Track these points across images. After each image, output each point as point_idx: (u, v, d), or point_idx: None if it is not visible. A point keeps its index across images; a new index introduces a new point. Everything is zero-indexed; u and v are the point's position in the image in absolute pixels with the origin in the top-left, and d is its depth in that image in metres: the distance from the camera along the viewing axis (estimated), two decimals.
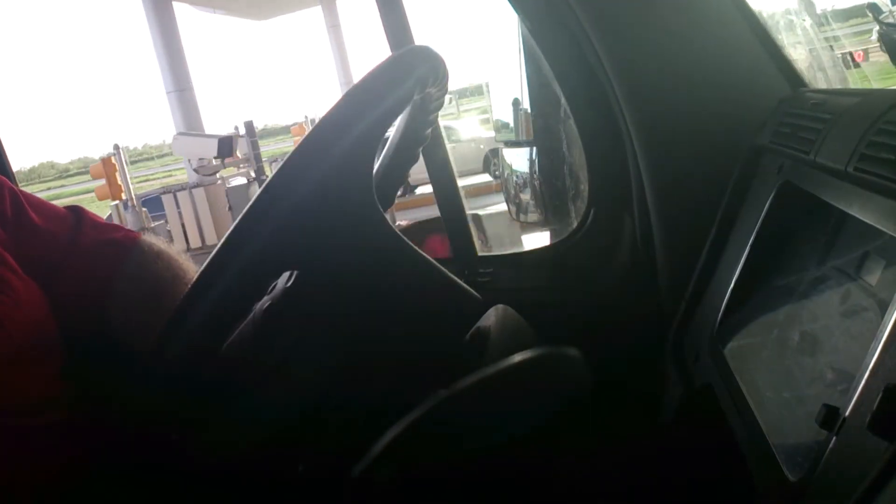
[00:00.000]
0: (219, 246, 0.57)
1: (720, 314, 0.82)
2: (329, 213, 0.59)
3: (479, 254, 1.39)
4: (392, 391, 0.68)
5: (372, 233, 0.64)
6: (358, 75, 0.65)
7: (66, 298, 0.88)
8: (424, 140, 0.81)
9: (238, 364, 0.67)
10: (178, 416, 0.60)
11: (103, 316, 0.90)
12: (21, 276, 0.83)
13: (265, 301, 0.70)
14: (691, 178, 0.96)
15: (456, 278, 0.71)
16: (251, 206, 0.57)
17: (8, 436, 0.75)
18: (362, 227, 0.63)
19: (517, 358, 0.61)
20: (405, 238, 0.66)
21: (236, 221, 0.57)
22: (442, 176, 1.38)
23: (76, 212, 0.96)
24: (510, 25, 1.38)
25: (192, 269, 0.92)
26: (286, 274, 0.70)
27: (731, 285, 0.82)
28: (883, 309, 0.54)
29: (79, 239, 0.91)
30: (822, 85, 0.96)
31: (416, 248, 0.68)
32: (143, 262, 0.92)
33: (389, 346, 0.68)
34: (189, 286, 0.59)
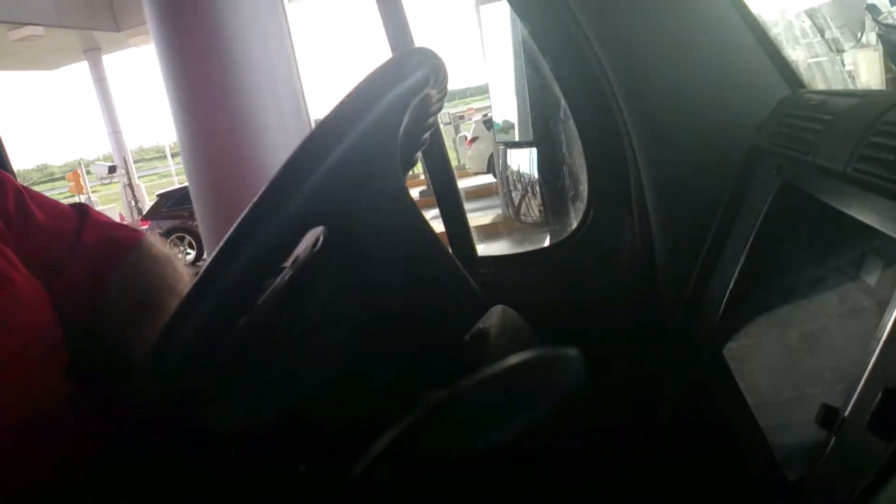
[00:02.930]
0: (256, 197, 0.58)
1: (719, 314, 0.83)
2: (358, 175, 0.60)
3: (479, 254, 1.39)
4: (392, 391, 0.68)
5: (395, 199, 0.65)
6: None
7: (69, 297, 0.88)
8: (424, 142, 0.81)
9: (261, 331, 0.67)
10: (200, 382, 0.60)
11: (97, 315, 0.90)
12: (23, 272, 0.82)
13: (288, 272, 0.71)
14: (690, 178, 0.97)
15: (459, 265, 0.72)
16: (288, 163, 0.59)
17: (11, 434, 0.75)
18: (387, 193, 0.65)
19: (517, 358, 0.61)
20: (421, 212, 0.68)
21: (274, 175, 0.58)
22: (442, 176, 1.38)
23: (81, 210, 0.96)
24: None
25: (187, 280, 0.91)
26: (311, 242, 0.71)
27: (731, 286, 0.82)
28: (882, 309, 0.54)
29: (82, 237, 0.91)
30: (820, 86, 0.96)
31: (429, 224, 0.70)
32: (138, 263, 0.92)
33: (391, 338, 0.68)
34: (226, 237, 0.59)
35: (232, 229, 0.57)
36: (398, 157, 0.65)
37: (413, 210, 0.67)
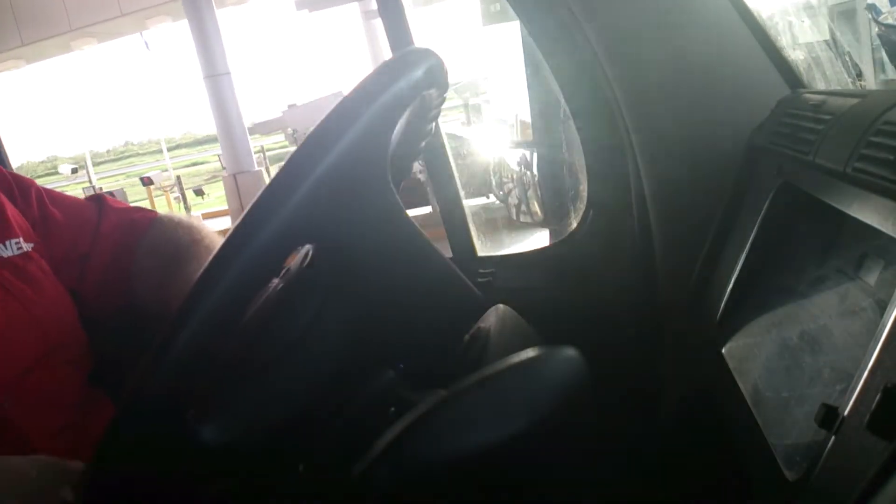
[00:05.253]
0: (241, 218, 0.58)
1: (719, 314, 0.83)
2: (346, 192, 0.60)
3: (479, 254, 1.39)
4: (392, 391, 0.68)
5: (385, 214, 0.65)
6: None
7: (94, 286, 0.91)
8: (418, 155, 0.81)
9: (251, 344, 0.67)
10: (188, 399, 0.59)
11: (126, 297, 0.93)
12: (53, 281, 0.86)
13: (279, 283, 0.70)
14: (690, 178, 0.97)
15: (459, 272, 0.72)
16: (274, 181, 0.58)
17: (37, 435, 0.76)
18: (377, 208, 0.64)
19: (516, 358, 0.61)
20: (415, 224, 0.67)
21: (259, 194, 0.58)
22: (442, 176, 1.38)
23: (98, 200, 0.99)
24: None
25: (212, 233, 0.96)
26: (301, 256, 0.71)
27: (731, 285, 0.82)
28: (882, 309, 0.54)
29: (102, 226, 0.95)
30: (820, 86, 0.96)
31: (425, 234, 0.69)
32: (163, 232, 0.96)
33: (391, 340, 0.69)
34: (212, 255, 0.59)
35: (214, 254, 0.57)
36: (388, 170, 0.64)
37: (405, 222, 0.67)
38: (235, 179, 8.79)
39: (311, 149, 0.58)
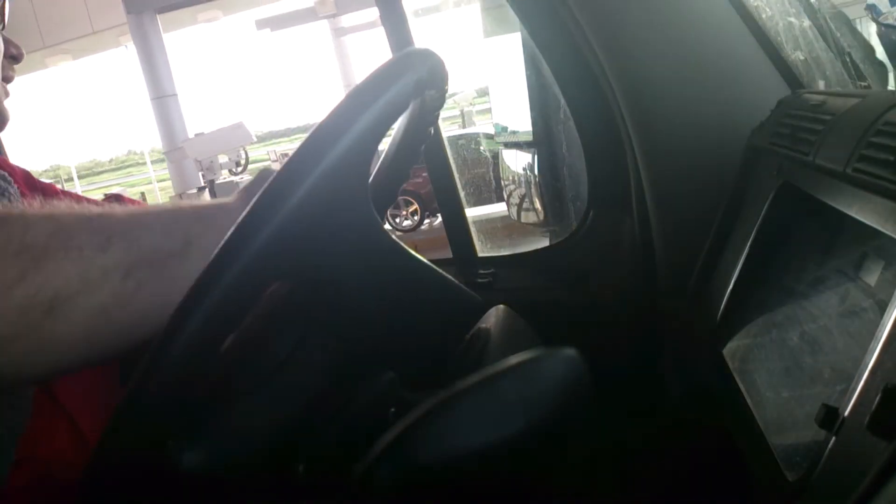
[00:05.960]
0: (212, 258, 0.55)
1: (719, 314, 0.83)
2: (322, 223, 0.57)
3: (480, 254, 1.39)
4: (392, 391, 0.68)
5: (366, 241, 0.63)
6: None
7: None
8: (425, 139, 0.81)
9: (239, 363, 0.66)
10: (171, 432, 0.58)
11: None
12: None
13: (267, 302, 0.69)
14: (690, 179, 0.97)
15: (456, 281, 0.71)
16: (243, 218, 0.55)
17: (73, 441, 0.77)
18: (357, 236, 0.62)
19: (516, 359, 0.61)
20: (402, 244, 0.66)
21: (229, 232, 0.55)
22: (442, 176, 1.38)
23: (115, 200, 1.00)
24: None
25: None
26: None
27: (731, 286, 0.82)
28: (882, 309, 0.54)
29: None
30: (820, 86, 0.96)
31: (414, 252, 0.68)
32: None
33: (389, 347, 0.68)
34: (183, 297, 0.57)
35: (185, 296, 0.54)
36: (368, 189, 0.61)
37: (385, 238, 0.64)
38: (181, 199, 8.78)
39: (283, 183, 0.55)
